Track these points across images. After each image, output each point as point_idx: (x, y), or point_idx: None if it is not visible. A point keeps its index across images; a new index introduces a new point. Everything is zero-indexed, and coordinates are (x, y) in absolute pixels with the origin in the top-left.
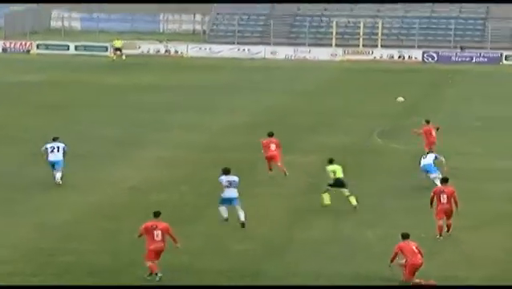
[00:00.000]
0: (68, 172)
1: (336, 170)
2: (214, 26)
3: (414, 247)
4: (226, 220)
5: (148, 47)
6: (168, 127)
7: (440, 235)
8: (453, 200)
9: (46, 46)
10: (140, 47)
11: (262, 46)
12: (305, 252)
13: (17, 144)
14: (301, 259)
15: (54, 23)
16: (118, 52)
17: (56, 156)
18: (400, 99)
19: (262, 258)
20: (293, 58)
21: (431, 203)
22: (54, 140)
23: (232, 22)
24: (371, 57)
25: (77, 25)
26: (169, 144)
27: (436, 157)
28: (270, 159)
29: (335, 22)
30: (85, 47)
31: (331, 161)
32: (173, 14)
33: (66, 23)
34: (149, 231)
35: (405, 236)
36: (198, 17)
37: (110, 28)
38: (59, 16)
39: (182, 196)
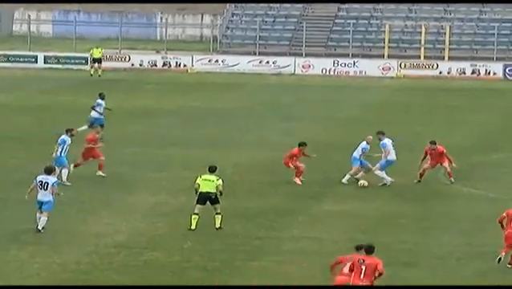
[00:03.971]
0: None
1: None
2: (229, 31)
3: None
4: (38, 231)
5: (140, 59)
6: (164, 165)
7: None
8: None
9: (7, 58)
10: (130, 59)
11: (291, 57)
12: None
13: None
14: None
15: (18, 28)
16: (96, 65)
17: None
18: (364, 183)
19: None
20: (332, 73)
21: (502, 225)
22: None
23: (252, 25)
24: (435, 72)
25: (48, 30)
26: (166, 188)
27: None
28: None
29: (387, 26)
30: (58, 59)
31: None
32: (174, 16)
33: (33, 27)
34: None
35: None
36: (207, 19)
37: (91, 34)
38: (24, 18)
39: (185, 255)
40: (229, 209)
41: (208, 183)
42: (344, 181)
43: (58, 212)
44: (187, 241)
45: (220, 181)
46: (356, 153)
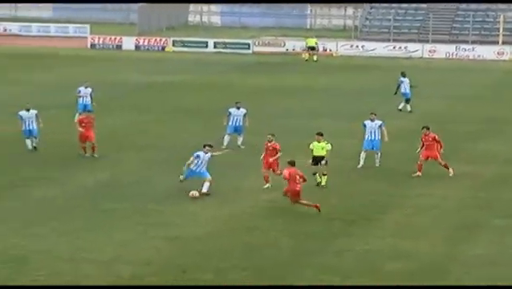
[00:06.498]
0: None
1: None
2: (367, 22)
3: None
4: (181, 181)
5: (293, 44)
6: (311, 134)
7: None
8: None
9: (183, 43)
10: (285, 44)
11: (419, 43)
12: (469, 274)
13: (149, 152)
14: (464, 280)
15: (192, 18)
16: (311, 52)
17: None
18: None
19: (419, 278)
20: (454, 57)
21: None
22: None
23: (387, 16)
24: None
25: (217, 20)
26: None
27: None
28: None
29: (502, 17)
30: (225, 44)
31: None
32: (322, 8)
33: (204, 18)
34: None
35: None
36: (350, 11)
37: (252, 23)
38: (197, 10)
39: (331, 209)
40: (364, 170)
41: (320, 148)
42: None
43: (224, 173)
44: (330, 198)
45: (329, 145)
46: None
